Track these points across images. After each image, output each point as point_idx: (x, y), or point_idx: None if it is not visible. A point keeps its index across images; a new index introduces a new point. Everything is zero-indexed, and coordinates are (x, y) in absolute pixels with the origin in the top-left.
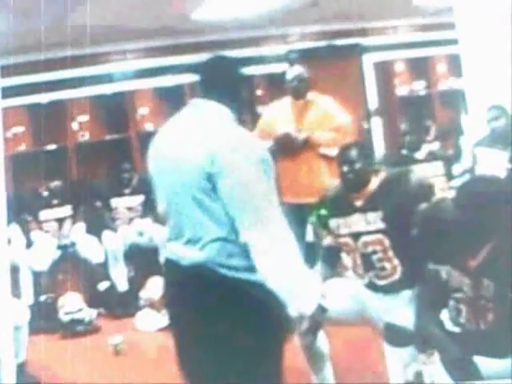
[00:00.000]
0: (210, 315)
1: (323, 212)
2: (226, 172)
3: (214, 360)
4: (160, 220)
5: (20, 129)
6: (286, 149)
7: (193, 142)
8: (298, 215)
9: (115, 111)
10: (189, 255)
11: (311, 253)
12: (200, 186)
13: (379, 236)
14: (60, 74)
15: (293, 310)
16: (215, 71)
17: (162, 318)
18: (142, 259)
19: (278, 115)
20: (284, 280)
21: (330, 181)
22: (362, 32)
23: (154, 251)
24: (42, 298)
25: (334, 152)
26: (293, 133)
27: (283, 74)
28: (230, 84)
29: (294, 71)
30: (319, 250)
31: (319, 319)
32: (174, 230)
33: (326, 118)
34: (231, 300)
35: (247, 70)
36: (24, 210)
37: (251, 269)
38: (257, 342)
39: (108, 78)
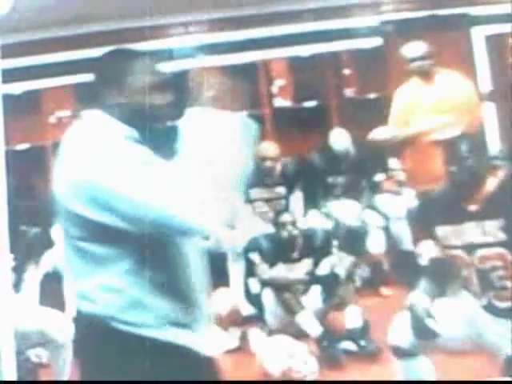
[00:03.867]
0: None
1: None
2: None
3: None
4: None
5: (65, 113)
6: None
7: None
8: None
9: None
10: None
11: None
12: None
13: (500, 249)
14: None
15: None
16: (113, 70)
17: (231, 338)
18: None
19: (412, 101)
20: None
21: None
22: None
23: (221, 258)
24: None
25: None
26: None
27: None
28: (131, 88)
29: (412, 48)
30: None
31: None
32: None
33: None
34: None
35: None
36: None
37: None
38: None
39: (167, 55)
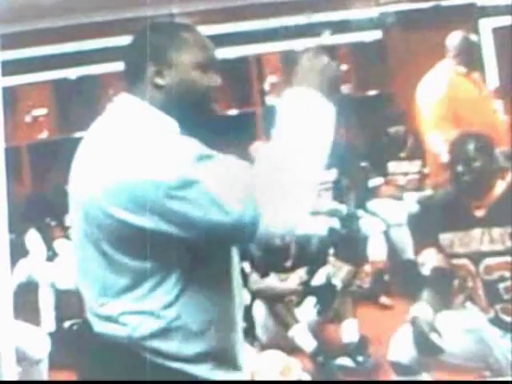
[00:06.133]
0: None
1: None
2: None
3: None
4: None
5: (42, 111)
6: None
7: (92, 163)
8: None
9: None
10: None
11: None
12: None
13: (508, 258)
14: (94, 43)
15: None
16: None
17: None
18: None
19: (432, 83)
20: None
21: None
22: None
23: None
24: (67, 324)
25: None
26: None
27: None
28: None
29: (456, 37)
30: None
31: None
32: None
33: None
34: None
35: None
36: (46, 213)
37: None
38: None
39: None
